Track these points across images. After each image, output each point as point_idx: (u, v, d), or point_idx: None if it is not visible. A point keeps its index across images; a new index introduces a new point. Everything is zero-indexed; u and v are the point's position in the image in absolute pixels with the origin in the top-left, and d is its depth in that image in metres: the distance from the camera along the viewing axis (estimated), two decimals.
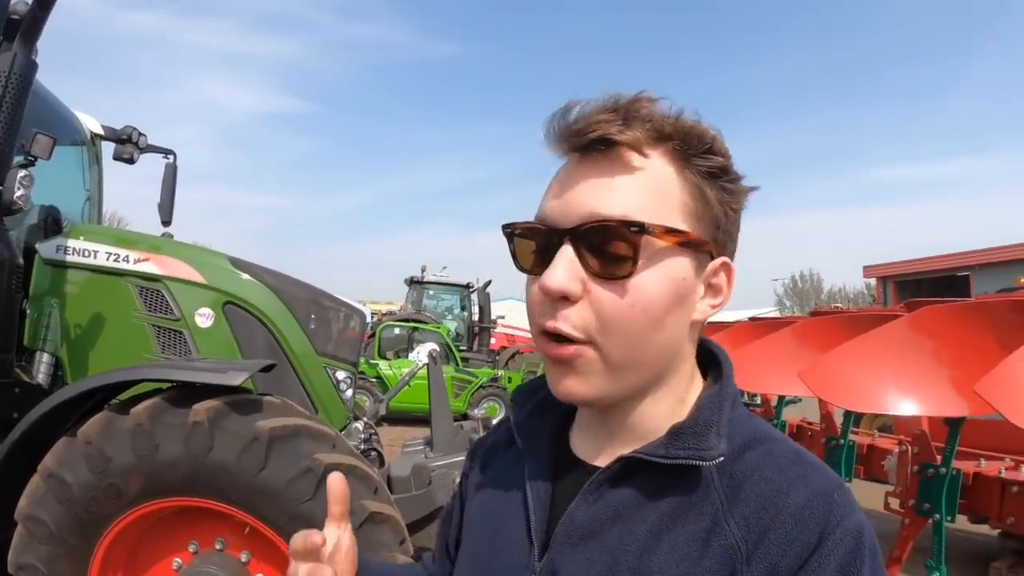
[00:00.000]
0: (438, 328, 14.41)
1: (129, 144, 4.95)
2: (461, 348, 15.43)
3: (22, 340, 3.51)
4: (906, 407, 3.09)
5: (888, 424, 6.84)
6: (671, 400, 0.86)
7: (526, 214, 0.85)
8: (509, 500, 0.93)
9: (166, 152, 5.18)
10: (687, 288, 0.80)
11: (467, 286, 17.72)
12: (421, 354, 4.59)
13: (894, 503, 3.97)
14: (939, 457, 3.49)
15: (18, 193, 3.06)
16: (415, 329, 14.13)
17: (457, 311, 18.11)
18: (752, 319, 5.84)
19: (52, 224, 3.84)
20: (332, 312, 3.73)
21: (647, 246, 0.76)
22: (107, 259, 3.54)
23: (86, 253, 3.56)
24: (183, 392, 2.61)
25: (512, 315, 23.11)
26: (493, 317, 17.70)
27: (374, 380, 11.78)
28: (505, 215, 0.87)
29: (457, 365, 13.05)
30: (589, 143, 0.77)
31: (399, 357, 13.19)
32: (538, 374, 1.35)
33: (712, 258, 0.82)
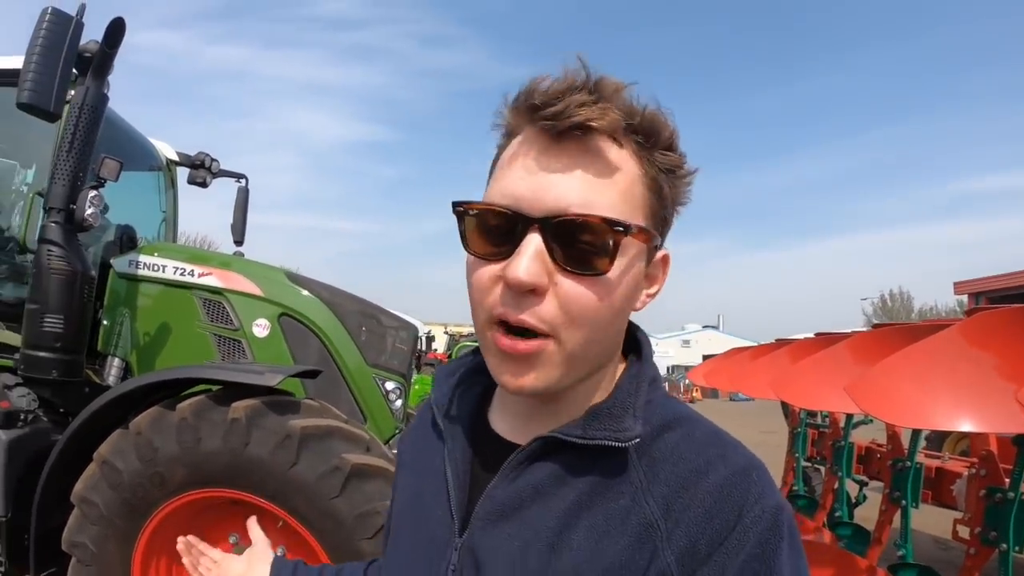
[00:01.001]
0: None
1: (202, 169, 5.26)
2: None
3: (96, 345, 3.78)
4: (960, 422, 2.84)
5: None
6: (599, 383, 0.86)
7: None
8: (432, 479, 0.92)
9: (238, 176, 5.46)
10: (640, 281, 0.82)
11: None
12: None
13: (963, 531, 3.67)
14: (1008, 480, 3.23)
15: (88, 211, 3.31)
16: None
17: None
18: (818, 334, 5.54)
19: (127, 241, 4.14)
20: (383, 324, 3.83)
21: (626, 245, 0.75)
22: (174, 273, 3.77)
23: (155, 268, 3.79)
24: (227, 392, 2.74)
25: None
26: None
27: None
28: None
29: None
30: (567, 128, 0.73)
31: None
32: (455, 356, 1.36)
33: (657, 250, 0.83)
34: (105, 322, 3.82)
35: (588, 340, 0.76)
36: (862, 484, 5.33)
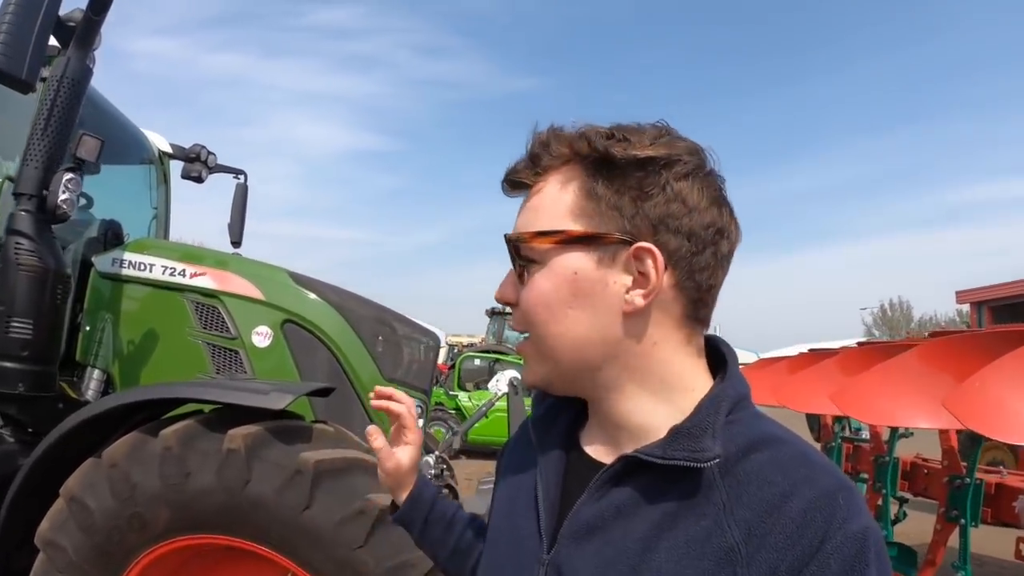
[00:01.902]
0: (519, 359, 13.98)
1: (198, 163, 4.82)
2: None
3: (74, 355, 3.32)
4: (917, 421, 3.27)
5: None
6: (646, 398, 0.88)
7: None
8: (524, 495, 0.96)
9: (236, 172, 5.04)
10: (587, 281, 0.85)
11: None
12: (501, 383, 4.20)
13: None
14: None
15: (63, 197, 2.85)
16: (496, 360, 13.68)
17: None
18: (862, 342, 5.67)
19: (112, 238, 3.66)
20: (401, 334, 3.36)
21: (530, 252, 0.88)
22: (162, 273, 3.29)
23: (141, 267, 3.32)
24: (222, 415, 2.27)
25: None
26: None
27: (453, 412, 11.50)
28: None
29: None
30: (511, 188, 0.95)
31: (479, 388, 12.83)
32: None
33: (627, 247, 0.84)
34: (86, 328, 3.34)
35: (550, 336, 0.88)
36: (902, 501, 5.06)
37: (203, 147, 4.80)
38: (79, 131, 2.91)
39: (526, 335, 0.92)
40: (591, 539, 0.83)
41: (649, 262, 0.83)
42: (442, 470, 3.36)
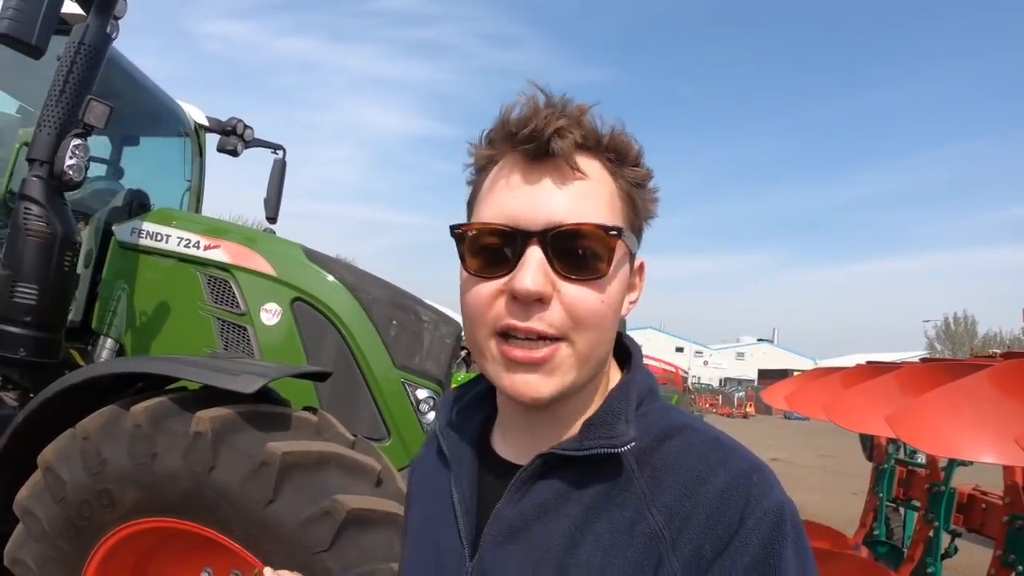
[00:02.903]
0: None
1: (234, 136, 4.75)
2: None
3: (91, 323, 3.28)
4: (983, 455, 2.61)
5: None
6: (592, 394, 0.87)
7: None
8: (440, 506, 0.93)
9: (275, 147, 4.96)
10: (624, 287, 0.86)
11: None
12: None
13: None
14: None
15: (70, 162, 2.77)
16: None
17: None
18: (926, 358, 5.11)
19: (138, 208, 3.58)
20: (418, 319, 3.18)
21: (602, 248, 0.79)
22: (178, 244, 3.21)
23: (158, 237, 3.24)
24: (200, 395, 2.12)
25: (649, 346, 22.18)
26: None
27: None
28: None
29: None
30: (545, 148, 0.79)
31: None
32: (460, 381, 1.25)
33: (635, 259, 0.88)
34: (103, 297, 3.29)
35: (596, 341, 0.81)
36: (955, 535, 4.59)
37: (240, 120, 4.74)
38: (88, 96, 2.81)
39: (552, 340, 0.79)
40: (515, 541, 0.82)
41: (640, 274, 0.91)
42: None
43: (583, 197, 0.79)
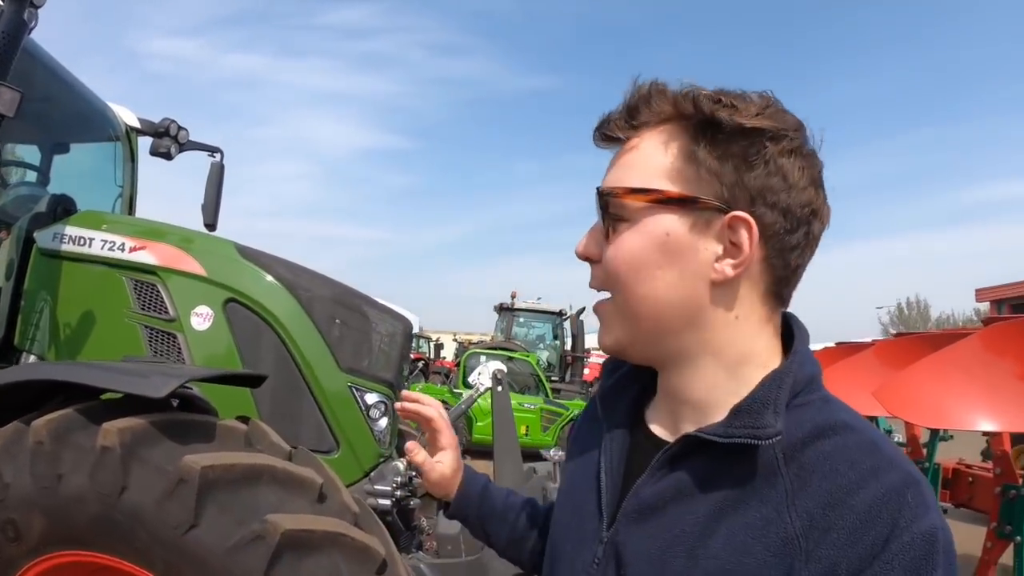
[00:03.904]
0: (527, 356, 13.47)
1: (167, 138, 4.47)
2: (552, 378, 14.46)
3: (12, 339, 3.00)
4: (978, 423, 2.91)
5: None
6: (718, 372, 0.85)
7: None
8: (588, 472, 0.95)
9: (212, 150, 4.69)
10: (678, 244, 0.83)
11: (559, 313, 16.84)
12: (483, 376, 3.72)
13: None
14: None
15: None
16: (510, 358, 13.23)
17: (549, 340, 17.21)
18: (900, 334, 5.08)
19: (62, 214, 3.30)
20: (364, 317, 2.96)
21: (620, 208, 0.85)
22: (101, 248, 2.95)
23: (81, 241, 2.98)
24: (109, 405, 1.89)
25: None
26: (587, 347, 16.60)
27: None
28: None
29: (547, 396, 12.07)
30: (603, 140, 0.91)
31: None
32: None
33: (722, 215, 0.81)
34: (25, 311, 3.02)
35: (635, 296, 0.85)
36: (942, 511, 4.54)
37: (173, 121, 4.47)
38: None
39: (605, 295, 0.90)
40: (650, 520, 0.83)
41: (744, 232, 0.81)
42: (410, 477, 2.95)
43: (620, 167, 0.87)
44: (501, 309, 16.75)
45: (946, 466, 4.83)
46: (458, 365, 12.98)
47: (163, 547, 1.68)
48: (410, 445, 1.21)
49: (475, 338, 26.34)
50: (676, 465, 0.83)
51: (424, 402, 1.24)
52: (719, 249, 0.82)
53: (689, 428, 0.83)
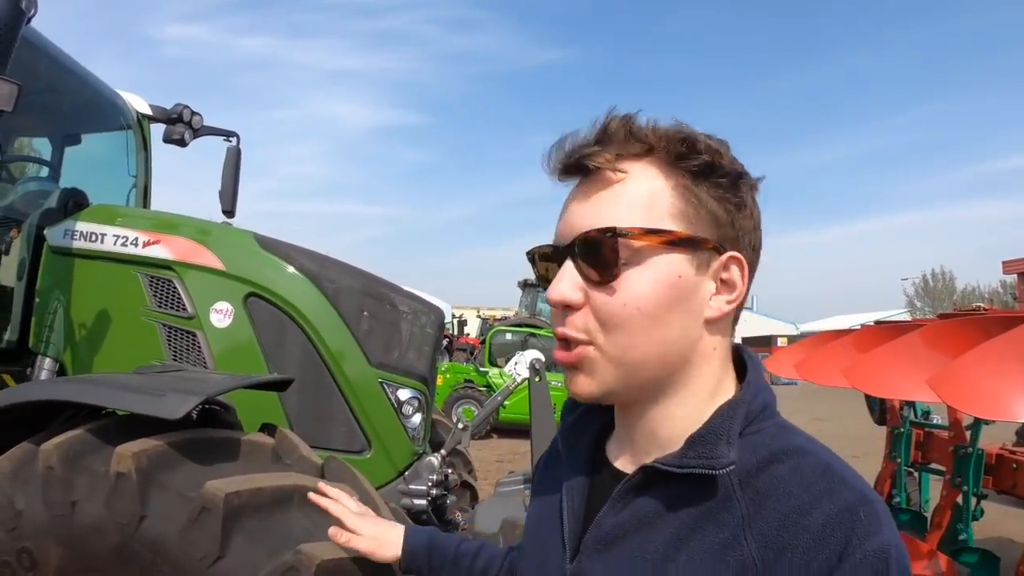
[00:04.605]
0: (552, 333, 13.31)
1: (181, 124, 4.29)
2: None
3: (27, 342, 2.88)
4: None
5: None
6: (692, 405, 0.86)
7: None
8: (551, 508, 0.97)
9: (227, 134, 4.51)
10: (687, 285, 0.83)
11: None
12: (520, 365, 3.58)
13: None
14: None
15: None
16: (532, 335, 13.05)
17: None
18: (878, 322, 4.85)
19: (74, 208, 3.15)
20: (394, 308, 2.79)
21: (627, 249, 0.81)
22: (114, 243, 2.80)
23: (93, 237, 2.84)
24: (123, 424, 1.73)
25: None
26: None
27: (483, 389, 11.04)
28: None
29: None
30: (574, 169, 0.86)
31: None
32: None
33: (719, 255, 0.84)
34: (38, 312, 2.89)
35: (626, 344, 0.82)
36: (981, 497, 4.36)
37: (186, 106, 4.29)
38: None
39: (579, 343, 0.85)
40: (612, 549, 0.84)
41: (736, 270, 0.85)
42: (446, 474, 2.80)
43: (605, 204, 0.83)
44: (525, 285, 16.53)
45: (989, 451, 4.56)
46: (483, 342, 12.84)
47: None
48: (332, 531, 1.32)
49: (498, 313, 26.18)
50: (636, 496, 0.85)
51: (331, 496, 1.39)
52: (713, 287, 0.85)
53: (647, 458, 0.85)
